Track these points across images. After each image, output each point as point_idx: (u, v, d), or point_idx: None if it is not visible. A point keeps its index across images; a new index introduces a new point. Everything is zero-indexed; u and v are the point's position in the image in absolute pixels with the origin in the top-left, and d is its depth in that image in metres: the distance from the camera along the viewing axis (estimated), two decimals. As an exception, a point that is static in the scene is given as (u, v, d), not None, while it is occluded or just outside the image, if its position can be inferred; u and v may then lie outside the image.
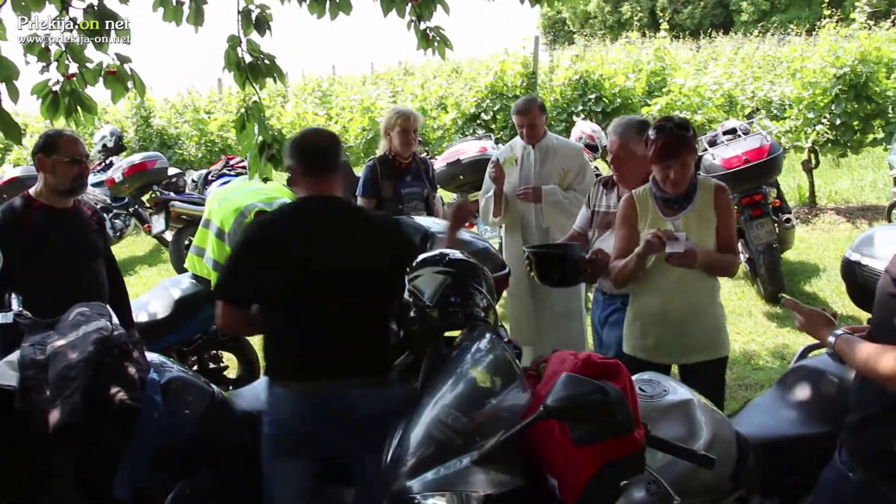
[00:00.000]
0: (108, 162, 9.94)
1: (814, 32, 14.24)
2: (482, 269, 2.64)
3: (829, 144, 9.87)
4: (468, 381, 2.15)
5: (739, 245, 6.97)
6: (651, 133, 3.15)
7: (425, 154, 8.26)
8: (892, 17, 14.36)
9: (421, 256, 2.63)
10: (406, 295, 2.52)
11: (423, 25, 4.55)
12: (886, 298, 1.94)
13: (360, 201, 4.73)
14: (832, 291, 6.54)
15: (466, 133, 10.05)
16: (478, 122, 10.49)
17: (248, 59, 4.17)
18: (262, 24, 4.23)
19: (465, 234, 3.73)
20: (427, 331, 2.47)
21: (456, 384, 2.12)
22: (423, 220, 3.73)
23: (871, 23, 11.49)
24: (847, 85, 9.74)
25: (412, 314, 2.49)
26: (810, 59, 10.46)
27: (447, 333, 2.52)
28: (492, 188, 4.67)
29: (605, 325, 3.85)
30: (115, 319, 2.78)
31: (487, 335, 2.28)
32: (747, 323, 6.21)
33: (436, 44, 4.61)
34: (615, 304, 3.74)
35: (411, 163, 4.79)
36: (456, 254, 2.63)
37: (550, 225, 4.60)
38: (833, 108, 9.75)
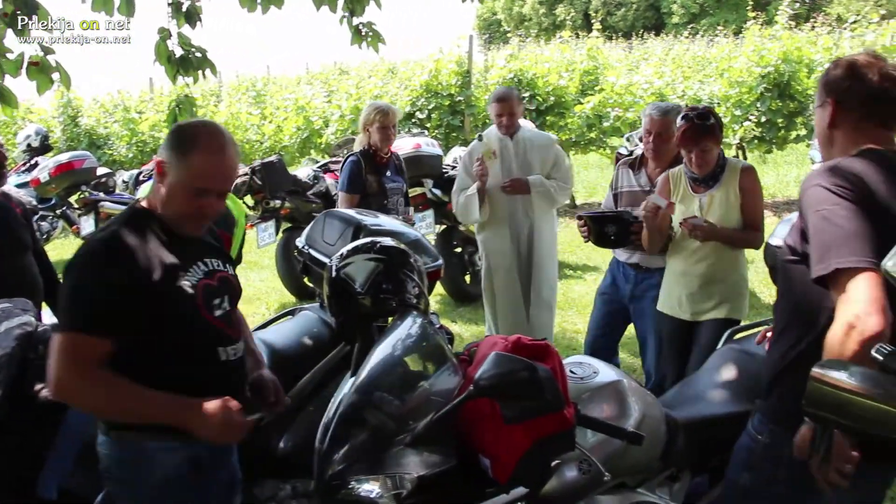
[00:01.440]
0: (32, 162, 9.61)
1: (740, 34, 14.68)
2: (414, 257, 2.65)
3: (756, 141, 10.21)
4: (400, 365, 2.16)
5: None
6: (678, 120, 3.55)
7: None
8: (812, 20, 14.98)
9: (352, 244, 2.63)
10: (337, 283, 2.51)
11: (355, 21, 4.56)
12: (784, 265, 2.05)
13: (343, 197, 4.76)
14: (759, 282, 6.74)
15: (401, 132, 10.04)
16: (413, 121, 10.50)
17: (178, 52, 4.11)
18: (193, 16, 4.17)
19: (397, 225, 3.74)
20: (359, 318, 2.47)
21: (387, 369, 2.13)
22: (355, 213, 3.73)
23: (793, 24, 11.93)
24: (771, 84, 10.11)
25: (344, 302, 2.49)
26: (737, 59, 10.84)
27: (380, 322, 2.53)
28: (471, 186, 4.70)
29: (634, 298, 4.08)
30: (47, 316, 2.71)
31: (419, 321, 2.29)
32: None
33: (368, 38, 4.61)
34: (652, 277, 3.97)
35: (389, 157, 4.92)
36: (387, 241, 2.64)
37: (538, 214, 4.72)
38: (759, 105, 10.11)
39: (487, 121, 10.46)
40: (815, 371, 1.55)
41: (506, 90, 4.72)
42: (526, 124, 5.14)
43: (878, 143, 1.98)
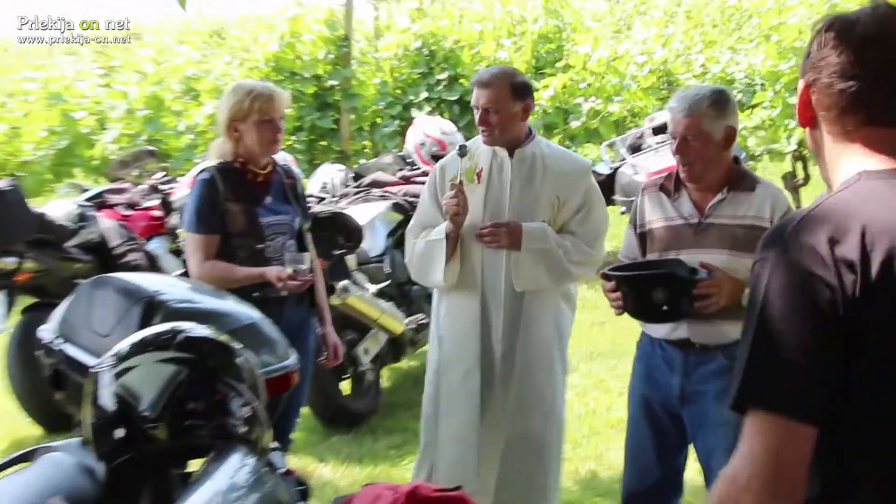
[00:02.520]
0: None
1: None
2: (244, 356, 2.69)
3: (823, 146, 10.60)
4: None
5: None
6: None
7: (165, 174, 8.26)
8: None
9: (138, 335, 2.65)
10: (109, 402, 2.53)
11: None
12: None
13: (191, 240, 4.73)
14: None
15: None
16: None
17: None
18: None
19: (224, 301, 3.79)
20: (147, 461, 2.50)
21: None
22: (148, 281, 3.76)
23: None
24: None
25: (120, 434, 2.51)
26: (794, 10, 11.20)
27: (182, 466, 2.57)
28: (441, 227, 4.67)
29: (686, 398, 4.07)
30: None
31: (249, 463, 2.33)
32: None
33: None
34: (712, 360, 3.99)
35: (271, 175, 4.85)
36: (198, 330, 2.68)
37: (527, 288, 4.66)
38: (829, 89, 10.48)
39: (379, 120, 10.67)
40: None
41: (493, 70, 4.77)
42: (430, 125, 5.19)
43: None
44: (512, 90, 4.58)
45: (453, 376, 4.79)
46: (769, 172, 13.40)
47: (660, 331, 4.15)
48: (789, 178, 11.04)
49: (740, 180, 3.96)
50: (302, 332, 4.84)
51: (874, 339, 1.85)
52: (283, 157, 7.16)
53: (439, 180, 4.80)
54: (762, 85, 10.97)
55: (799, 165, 10.97)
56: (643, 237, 4.25)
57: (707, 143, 3.95)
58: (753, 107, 10.97)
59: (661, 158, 6.85)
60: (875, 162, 1.99)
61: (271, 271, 4.56)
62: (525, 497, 4.81)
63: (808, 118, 2.14)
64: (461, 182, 4.57)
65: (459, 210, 4.51)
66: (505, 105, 4.57)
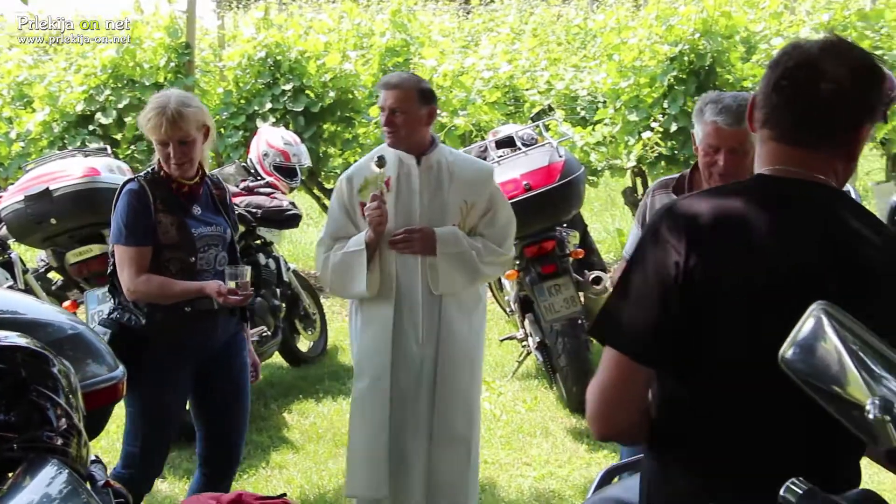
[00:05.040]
0: None
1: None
2: (60, 366, 2.63)
3: (663, 162, 10.77)
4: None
5: (527, 322, 7.48)
6: None
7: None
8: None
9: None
10: None
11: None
12: None
13: (123, 253, 4.61)
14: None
15: (67, 145, 9.89)
16: (90, 127, 10.39)
17: None
18: None
19: (45, 310, 3.71)
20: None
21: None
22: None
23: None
24: (685, 70, 10.75)
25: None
26: (633, 32, 11.46)
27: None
28: (358, 238, 4.74)
29: None
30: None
31: (62, 475, 2.27)
32: (542, 447, 6.66)
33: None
34: None
35: (198, 186, 4.78)
36: (9, 337, 2.60)
37: (444, 291, 4.76)
38: (666, 106, 10.68)
39: (223, 130, 10.56)
40: None
41: (402, 74, 4.89)
42: (274, 136, 5.15)
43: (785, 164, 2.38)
44: (419, 94, 4.73)
45: (364, 383, 4.91)
46: (610, 188, 13.68)
47: None
48: (629, 193, 11.23)
49: None
50: (235, 345, 4.92)
51: (705, 309, 2.25)
52: (115, 167, 7.07)
53: (347, 191, 4.89)
54: (604, 102, 11.15)
55: (639, 181, 11.14)
56: None
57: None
58: (595, 123, 11.14)
59: (502, 172, 6.90)
60: (772, 170, 2.38)
61: (211, 286, 4.55)
62: (454, 497, 4.94)
63: (752, 123, 2.47)
64: (381, 192, 4.65)
65: (384, 220, 4.62)
66: (411, 107, 4.70)
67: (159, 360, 4.65)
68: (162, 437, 4.82)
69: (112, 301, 4.92)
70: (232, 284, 4.54)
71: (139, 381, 4.50)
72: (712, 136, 4.17)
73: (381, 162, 4.71)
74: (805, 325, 1.96)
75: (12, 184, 8.07)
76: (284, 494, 2.30)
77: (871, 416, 1.83)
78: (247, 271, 4.72)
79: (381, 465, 4.84)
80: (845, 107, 2.32)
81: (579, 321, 6.88)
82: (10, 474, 2.37)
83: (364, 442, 4.92)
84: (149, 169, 4.78)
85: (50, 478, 2.27)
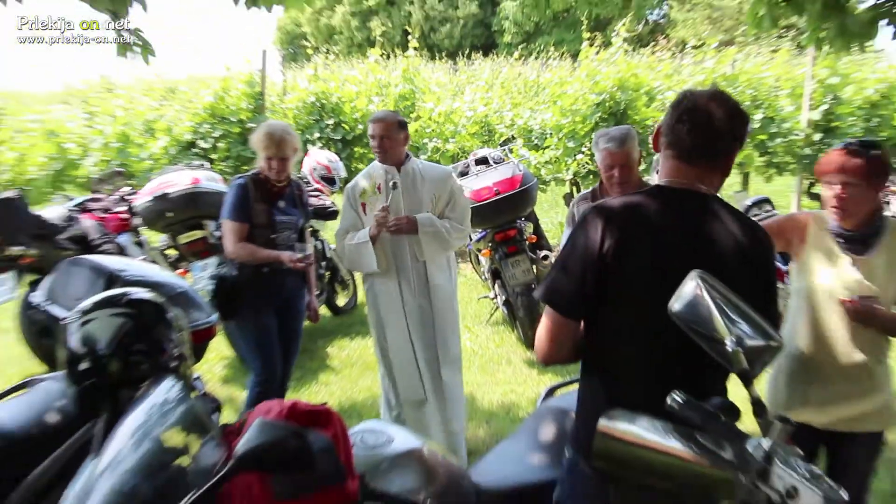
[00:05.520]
0: None
1: (578, 57, 15.50)
2: (172, 312, 2.65)
3: (591, 176, 10.83)
4: (151, 440, 2.13)
5: (496, 286, 7.50)
6: (844, 155, 3.15)
7: (131, 189, 8.03)
8: (653, 44, 16.13)
9: (95, 297, 2.59)
10: (76, 344, 2.46)
11: (118, 26, 4.48)
12: None
13: (228, 225, 4.74)
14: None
15: (179, 163, 9.86)
16: (195, 150, 10.37)
17: None
18: None
19: (163, 275, 3.72)
20: (103, 387, 2.43)
21: (136, 445, 2.10)
22: (108, 261, 3.66)
23: (630, 48, 12.77)
24: (607, 112, 10.79)
25: (85, 366, 2.44)
26: (570, 85, 11.48)
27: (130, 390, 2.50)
28: (364, 232, 4.78)
29: None
30: None
31: (175, 386, 2.29)
32: (506, 371, 6.66)
33: (137, 49, 4.56)
34: None
35: (286, 187, 4.91)
36: (139, 293, 2.62)
37: (428, 258, 4.82)
38: (594, 137, 10.71)
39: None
40: (602, 424, 1.75)
41: (384, 112, 4.82)
42: (321, 156, 5.16)
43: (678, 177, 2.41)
44: (398, 124, 4.77)
45: (391, 319, 4.90)
46: (555, 194, 13.69)
47: None
48: (568, 198, 11.29)
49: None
50: (297, 296, 5.03)
51: (611, 279, 2.29)
52: (211, 177, 7.06)
53: (352, 196, 4.91)
54: (550, 134, 11.16)
55: (574, 189, 11.20)
56: None
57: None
58: (545, 148, 11.18)
59: (481, 181, 6.94)
60: (669, 181, 2.40)
61: (286, 255, 4.74)
62: (453, 391, 4.97)
63: (656, 145, 2.49)
64: (387, 206, 4.69)
65: (385, 222, 4.67)
66: (392, 133, 4.73)
67: (250, 301, 4.75)
68: (271, 350, 4.84)
69: (211, 269, 4.96)
70: (300, 255, 4.73)
71: (242, 316, 4.73)
72: (607, 158, 4.32)
73: (395, 186, 4.75)
74: (686, 287, 1.99)
75: (141, 188, 8.10)
76: (326, 403, 2.30)
77: (729, 349, 1.87)
78: (310, 247, 4.98)
79: (415, 374, 4.90)
80: (724, 138, 2.35)
81: (532, 286, 6.89)
82: (142, 385, 2.40)
83: (401, 362, 4.92)
84: (253, 171, 4.87)
85: (168, 388, 2.29)
